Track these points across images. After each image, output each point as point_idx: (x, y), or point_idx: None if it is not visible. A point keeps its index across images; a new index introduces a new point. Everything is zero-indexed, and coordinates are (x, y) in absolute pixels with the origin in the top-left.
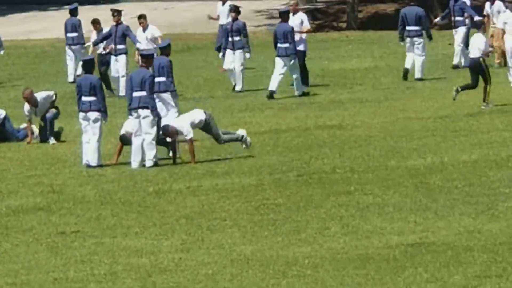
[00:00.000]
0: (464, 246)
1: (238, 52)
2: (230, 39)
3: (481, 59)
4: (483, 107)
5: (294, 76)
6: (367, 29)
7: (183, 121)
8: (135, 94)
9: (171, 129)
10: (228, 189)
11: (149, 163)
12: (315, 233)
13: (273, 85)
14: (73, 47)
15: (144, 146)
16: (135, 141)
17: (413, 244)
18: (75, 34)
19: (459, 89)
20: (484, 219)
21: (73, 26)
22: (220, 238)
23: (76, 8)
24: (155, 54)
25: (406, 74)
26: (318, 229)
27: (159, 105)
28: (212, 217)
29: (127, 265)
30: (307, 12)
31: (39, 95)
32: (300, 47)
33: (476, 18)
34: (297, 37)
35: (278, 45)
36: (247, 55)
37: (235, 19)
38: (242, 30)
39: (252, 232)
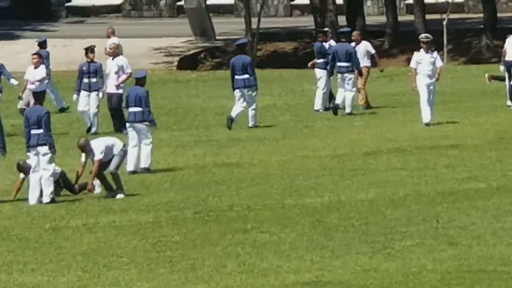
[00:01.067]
0: (361, 285)
1: (94, 94)
2: (86, 80)
3: None
4: None
5: (252, 107)
6: (266, 67)
7: (99, 144)
8: (33, 132)
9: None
10: (125, 226)
11: (46, 199)
12: (211, 271)
13: (234, 113)
14: None
15: (41, 183)
16: (33, 177)
17: (309, 283)
18: None
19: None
20: (381, 258)
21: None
22: (116, 275)
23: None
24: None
25: (336, 109)
26: (215, 267)
27: (132, 134)
28: (109, 254)
29: None
30: (207, 50)
31: None
32: (119, 90)
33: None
34: (116, 82)
35: (236, 77)
36: (100, 94)
37: (91, 60)
38: (99, 72)
39: (148, 270)
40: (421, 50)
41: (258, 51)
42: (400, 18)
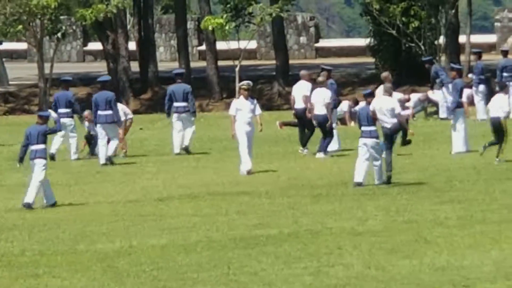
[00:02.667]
0: None
1: None
2: None
3: (502, 119)
4: (496, 161)
5: (114, 141)
6: None
7: None
8: None
9: None
10: None
11: None
12: None
13: (108, 152)
14: None
15: None
16: None
17: None
18: None
19: (487, 145)
20: None
21: None
22: None
23: None
24: None
25: (187, 149)
26: None
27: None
28: None
29: None
30: (0, 95)
31: None
32: None
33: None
34: None
35: (99, 112)
36: None
37: None
38: None
39: None
40: (241, 97)
41: (50, 96)
42: (192, 65)
